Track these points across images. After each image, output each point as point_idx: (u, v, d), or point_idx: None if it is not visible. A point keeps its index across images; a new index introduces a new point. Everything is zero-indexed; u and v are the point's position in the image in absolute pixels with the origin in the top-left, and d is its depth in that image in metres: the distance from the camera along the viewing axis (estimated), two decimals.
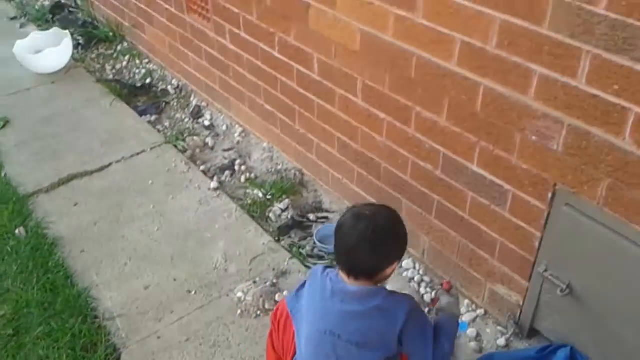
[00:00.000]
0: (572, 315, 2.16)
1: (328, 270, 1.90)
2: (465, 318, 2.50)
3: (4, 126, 3.75)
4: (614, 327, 2.03)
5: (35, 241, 2.86)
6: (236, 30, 3.27)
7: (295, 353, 1.95)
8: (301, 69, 2.92)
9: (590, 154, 1.84)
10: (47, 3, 5.39)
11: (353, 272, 1.80)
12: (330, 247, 2.84)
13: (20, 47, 4.24)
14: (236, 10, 3.19)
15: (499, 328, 2.45)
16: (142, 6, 4.18)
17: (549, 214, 2.08)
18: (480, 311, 2.52)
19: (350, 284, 1.81)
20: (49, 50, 4.20)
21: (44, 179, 3.30)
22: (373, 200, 2.78)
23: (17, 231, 2.93)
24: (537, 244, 2.17)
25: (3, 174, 3.33)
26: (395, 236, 1.83)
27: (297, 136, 3.21)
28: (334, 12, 2.54)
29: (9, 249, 2.82)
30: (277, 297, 2.56)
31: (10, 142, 3.62)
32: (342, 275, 1.84)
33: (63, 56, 4.29)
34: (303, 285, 1.96)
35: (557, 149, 1.93)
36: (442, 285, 2.16)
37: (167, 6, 3.86)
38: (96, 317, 2.52)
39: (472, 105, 2.14)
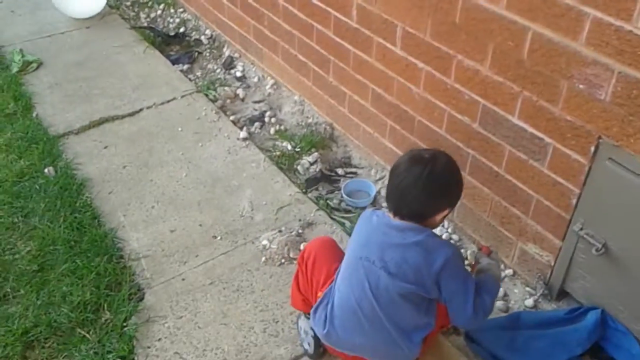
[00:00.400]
0: (605, 276, 2.08)
1: (377, 210, 1.90)
2: None
3: (37, 68, 3.75)
4: None
5: (63, 181, 2.86)
6: None
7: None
8: (339, 15, 2.82)
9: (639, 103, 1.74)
10: None
11: (401, 212, 1.80)
12: (358, 202, 2.80)
13: None
14: None
15: (528, 289, 2.38)
16: None
17: (589, 168, 1.98)
18: (509, 271, 2.45)
19: (396, 220, 1.80)
20: None
21: (75, 120, 3.30)
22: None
23: (46, 170, 2.94)
24: (574, 201, 2.07)
25: (34, 114, 3.34)
26: (451, 182, 1.84)
27: (329, 88, 3.13)
28: None
29: (37, 187, 2.83)
30: (301, 247, 2.51)
31: (42, 83, 3.62)
32: (389, 214, 1.84)
33: (99, 0, 4.25)
34: None
35: (605, 98, 1.82)
36: (480, 249, 2.09)
37: None
38: (121, 257, 2.52)
39: (519, 51, 2.03)
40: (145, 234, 2.63)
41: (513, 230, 2.38)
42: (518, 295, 2.36)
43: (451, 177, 1.83)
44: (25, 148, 3.07)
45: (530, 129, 2.12)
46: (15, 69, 3.69)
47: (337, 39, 2.90)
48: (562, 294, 2.31)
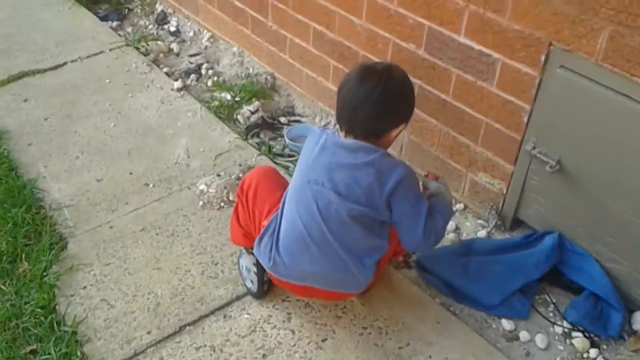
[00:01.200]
0: (561, 197, 1.99)
1: (326, 129, 1.76)
2: None
3: None
4: (605, 205, 1.86)
5: None
6: None
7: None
8: None
9: None
10: None
11: (354, 131, 1.67)
12: (302, 146, 2.64)
13: None
14: None
15: (480, 221, 2.28)
16: None
17: (540, 80, 1.89)
18: (460, 205, 2.35)
19: (347, 140, 1.66)
20: None
21: None
22: None
23: None
24: (525, 119, 1.98)
25: None
26: (407, 95, 1.73)
27: (269, 34, 2.96)
28: None
29: None
30: None
31: None
32: (340, 134, 1.71)
33: None
34: None
35: None
36: (427, 175, 1.97)
37: None
38: (42, 207, 2.28)
39: None
40: (69, 184, 2.39)
41: (462, 161, 2.27)
42: (470, 228, 2.26)
43: (406, 90, 1.72)
44: None
45: (478, 46, 2.02)
46: None
47: None
48: (516, 223, 2.22)
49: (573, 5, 1.70)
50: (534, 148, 1.99)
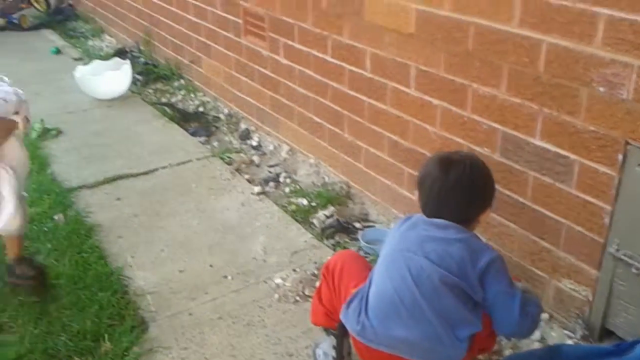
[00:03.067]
0: None
1: (412, 214, 1.81)
2: None
3: (56, 135, 3.83)
4: None
5: (73, 226, 2.81)
6: (290, 43, 3.34)
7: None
8: (353, 68, 2.91)
9: None
10: (111, 51, 5.69)
11: (443, 218, 1.71)
12: (378, 249, 2.67)
13: (82, 71, 4.43)
14: (291, 21, 3.27)
15: (566, 332, 2.18)
16: (202, 39, 4.35)
17: (619, 180, 1.91)
18: (545, 315, 2.26)
19: (437, 219, 1.72)
20: (109, 73, 4.37)
21: (89, 176, 3.30)
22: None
23: (56, 217, 2.89)
24: (607, 220, 1.98)
25: (49, 172, 3.35)
26: (488, 181, 1.78)
27: (345, 145, 3.14)
28: None
29: (46, 229, 2.77)
30: (317, 284, 2.38)
31: (60, 148, 3.67)
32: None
33: (121, 82, 4.44)
34: None
35: (627, 97, 1.80)
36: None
37: (225, 33, 4.00)
38: (126, 292, 2.39)
39: (534, 67, 2.05)
40: (153, 273, 2.51)
41: (545, 268, 2.24)
42: (556, 339, 2.17)
43: (488, 177, 1.78)
44: (37, 198, 3.04)
45: (554, 149, 2.08)
46: (34, 135, 3.76)
47: (352, 93, 2.97)
48: (605, 334, 2.11)
49: None
50: (618, 250, 1.95)
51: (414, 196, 1.85)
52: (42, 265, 2.46)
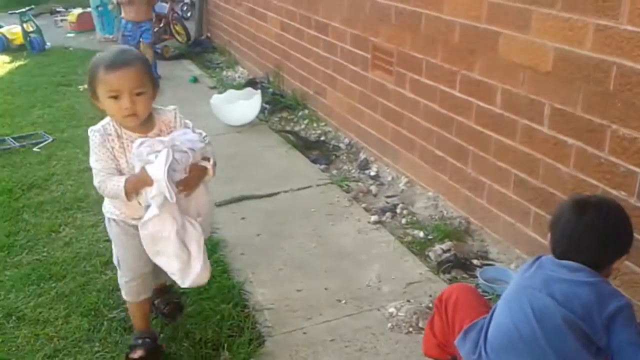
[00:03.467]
0: None
1: (541, 255, 1.77)
2: None
3: None
4: None
5: None
6: (417, 77, 3.38)
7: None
8: (481, 104, 2.89)
9: None
10: (243, 81, 6.06)
11: (568, 259, 1.66)
12: (498, 288, 2.60)
13: (217, 99, 4.75)
14: (420, 56, 3.32)
15: None
16: (328, 71, 4.51)
17: None
18: None
19: (567, 262, 1.66)
20: (241, 102, 4.65)
21: (218, 196, 3.47)
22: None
23: None
24: None
25: None
26: (626, 227, 1.71)
27: (467, 180, 3.11)
28: (526, 36, 2.54)
29: None
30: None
31: None
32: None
33: (252, 110, 4.71)
34: None
35: None
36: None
37: (352, 67, 4.13)
38: (246, 306, 2.50)
39: None
40: (271, 290, 2.61)
41: None
42: None
43: (625, 222, 1.70)
44: None
45: None
46: None
47: (479, 128, 2.94)
48: None
49: None
50: None
51: (546, 239, 1.80)
52: (178, 301, 2.46)
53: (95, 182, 2.00)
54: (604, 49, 2.19)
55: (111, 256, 2.84)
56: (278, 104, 5.18)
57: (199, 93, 5.65)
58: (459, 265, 2.81)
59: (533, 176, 2.65)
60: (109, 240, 2.98)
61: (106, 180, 1.97)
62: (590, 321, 1.54)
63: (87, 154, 4.28)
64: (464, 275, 2.75)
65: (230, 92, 4.96)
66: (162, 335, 2.32)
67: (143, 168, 1.93)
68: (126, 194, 1.95)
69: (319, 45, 4.64)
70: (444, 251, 2.91)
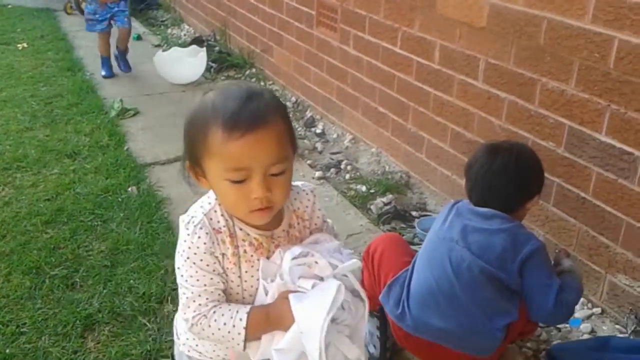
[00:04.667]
0: None
1: (460, 200, 1.85)
2: (578, 315, 2.24)
3: (134, 115, 4.05)
4: None
5: (144, 198, 2.98)
6: (360, 34, 3.40)
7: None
8: (421, 60, 2.94)
9: None
10: (188, 39, 5.93)
11: (489, 205, 1.74)
12: None
13: (160, 56, 4.65)
14: (363, 13, 3.33)
15: (617, 327, 2.16)
16: (275, 29, 4.48)
17: None
18: (597, 310, 2.25)
19: (482, 208, 1.74)
20: (186, 59, 4.58)
21: (162, 154, 3.48)
22: None
23: (129, 189, 3.07)
24: None
25: (125, 148, 3.55)
26: (539, 167, 1.80)
27: (407, 135, 3.18)
28: None
29: (119, 200, 2.96)
30: None
31: (137, 126, 3.89)
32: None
33: (197, 68, 4.64)
34: None
35: None
36: (559, 251, 1.97)
37: (297, 24, 4.11)
38: None
39: (604, 63, 2.03)
40: None
41: (601, 263, 2.22)
42: (607, 332, 2.15)
43: (538, 162, 1.80)
44: (113, 171, 3.25)
45: (619, 145, 2.06)
46: (113, 114, 4.00)
47: (418, 84, 3.00)
48: None
49: None
50: None
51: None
52: None
53: (190, 313, 1.19)
54: (536, 3, 2.26)
55: (52, 215, 2.85)
56: (225, 63, 5.11)
57: (142, 51, 5.50)
58: (398, 216, 2.90)
59: (468, 129, 2.74)
60: (49, 199, 2.99)
61: (211, 311, 1.18)
62: (505, 268, 1.64)
63: (26, 113, 4.25)
64: (402, 226, 2.85)
65: (175, 50, 4.87)
66: (104, 290, 2.33)
67: (286, 298, 1.15)
68: (246, 337, 1.17)
69: (265, 2, 4.58)
70: (385, 204, 3.00)
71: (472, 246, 1.67)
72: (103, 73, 4.84)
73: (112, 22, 4.77)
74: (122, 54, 4.97)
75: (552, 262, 1.83)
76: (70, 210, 2.88)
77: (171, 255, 2.47)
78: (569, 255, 1.95)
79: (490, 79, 2.55)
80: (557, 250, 1.96)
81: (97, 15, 4.68)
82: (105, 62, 4.86)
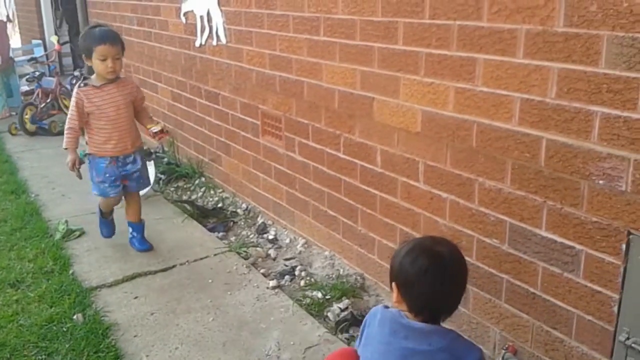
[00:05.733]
0: None
1: (389, 308, 1.80)
2: None
3: (79, 236, 3.95)
4: None
5: (90, 326, 2.83)
6: (305, 141, 3.49)
7: None
8: (364, 164, 3.02)
9: None
10: None
11: (436, 316, 1.72)
12: None
13: None
14: (305, 121, 3.43)
15: None
16: (222, 139, 4.55)
17: (625, 269, 1.92)
18: None
19: (417, 322, 1.70)
20: None
21: (109, 276, 3.37)
22: None
23: (75, 317, 2.93)
24: (615, 309, 1.97)
25: (70, 272, 3.43)
26: (466, 270, 1.81)
27: (358, 238, 3.20)
28: (396, 100, 2.70)
29: (64, 330, 2.81)
30: None
31: (83, 248, 3.77)
32: (408, 314, 1.74)
33: None
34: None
35: (626, 189, 1.85)
36: (507, 348, 1.95)
37: (244, 133, 4.19)
38: None
39: (536, 162, 2.12)
40: None
41: (558, 358, 2.20)
42: None
43: (465, 265, 1.81)
44: (58, 298, 3.10)
45: (560, 239, 2.11)
46: (58, 236, 3.88)
47: (364, 187, 3.06)
48: None
49: None
50: (627, 338, 1.93)
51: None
52: None
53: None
54: (465, 109, 2.38)
55: None
56: (174, 173, 5.11)
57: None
58: (355, 322, 2.85)
59: (416, 229, 2.77)
60: None
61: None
62: None
63: None
64: None
65: None
66: None
67: None
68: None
69: (211, 114, 4.69)
70: (342, 310, 2.95)
71: None
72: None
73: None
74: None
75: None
76: (14, 345, 2.71)
77: None
78: (516, 352, 1.93)
79: (430, 180, 2.62)
80: (504, 348, 1.95)
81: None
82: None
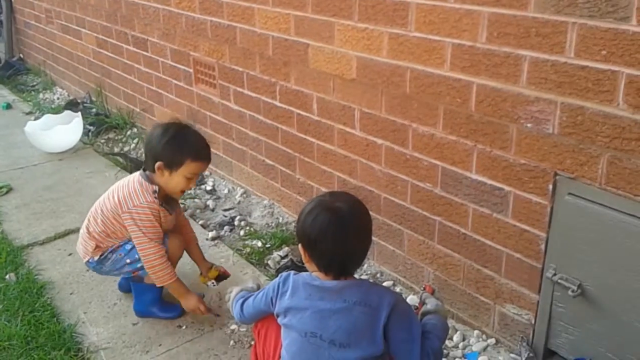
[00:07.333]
0: (587, 322, 2.00)
1: (300, 274, 1.79)
2: (475, 347, 2.32)
3: (6, 192, 3.78)
4: (632, 327, 1.87)
5: (24, 285, 2.76)
6: (240, 89, 3.41)
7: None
8: (301, 112, 2.99)
9: (586, 128, 1.83)
10: (62, 104, 5.67)
11: (344, 271, 1.72)
12: None
13: (32, 126, 4.40)
14: (240, 69, 3.35)
15: (512, 355, 2.26)
16: (153, 88, 4.39)
17: (552, 209, 2.01)
18: (491, 340, 2.34)
19: (329, 281, 1.71)
20: (59, 127, 4.35)
21: (40, 233, 3.26)
22: None
23: (7, 277, 2.83)
24: (542, 247, 2.07)
25: (0, 230, 3.29)
26: (370, 222, 1.80)
27: (297, 186, 3.20)
28: (331, 46, 2.67)
29: None
30: None
31: (11, 204, 3.62)
32: (318, 275, 1.74)
33: (73, 134, 4.42)
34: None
35: (553, 131, 1.92)
36: (424, 288, 2.03)
37: (176, 82, 4.05)
38: (80, 349, 2.36)
39: (466, 107, 2.16)
40: (106, 328, 2.48)
41: (489, 294, 2.32)
42: None
43: (369, 216, 1.81)
44: None
45: (489, 181, 2.18)
46: None
47: (301, 135, 3.04)
48: (549, 354, 2.20)
49: (571, 136, 1.88)
50: (554, 275, 2.05)
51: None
52: None
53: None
54: (399, 55, 2.37)
55: None
56: (103, 125, 4.92)
57: (13, 120, 5.20)
58: (295, 268, 2.87)
59: (353, 176, 2.80)
60: None
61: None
62: (373, 341, 1.64)
63: None
64: None
65: (47, 117, 4.62)
66: None
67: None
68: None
69: (140, 61, 4.49)
70: (282, 257, 2.98)
71: (337, 335, 1.64)
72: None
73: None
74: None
75: (419, 301, 1.88)
76: None
77: (58, 347, 2.33)
78: (434, 291, 2.00)
79: (366, 127, 2.64)
80: (422, 288, 2.01)
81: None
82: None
